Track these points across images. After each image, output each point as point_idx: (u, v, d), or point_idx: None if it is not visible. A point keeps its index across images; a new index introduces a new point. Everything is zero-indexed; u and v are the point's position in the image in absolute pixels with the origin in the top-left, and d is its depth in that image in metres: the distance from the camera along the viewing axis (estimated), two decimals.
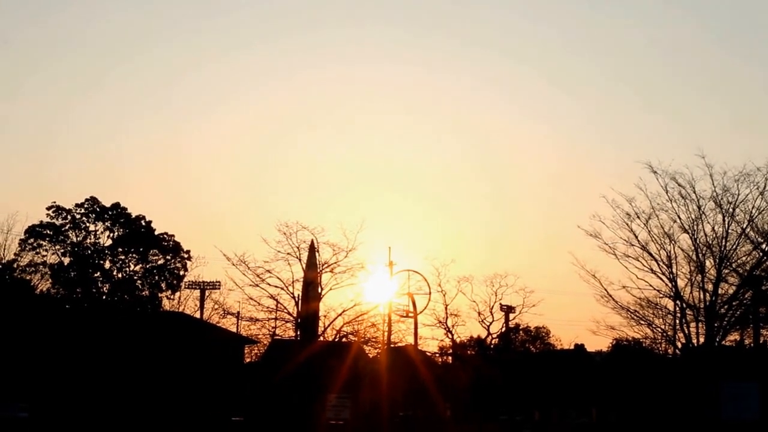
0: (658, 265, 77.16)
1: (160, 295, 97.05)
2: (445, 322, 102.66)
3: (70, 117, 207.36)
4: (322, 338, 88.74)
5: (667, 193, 76.25)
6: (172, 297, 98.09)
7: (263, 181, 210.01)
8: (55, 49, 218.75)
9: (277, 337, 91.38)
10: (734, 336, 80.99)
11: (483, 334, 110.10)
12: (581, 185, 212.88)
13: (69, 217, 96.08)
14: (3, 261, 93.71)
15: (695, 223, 76.40)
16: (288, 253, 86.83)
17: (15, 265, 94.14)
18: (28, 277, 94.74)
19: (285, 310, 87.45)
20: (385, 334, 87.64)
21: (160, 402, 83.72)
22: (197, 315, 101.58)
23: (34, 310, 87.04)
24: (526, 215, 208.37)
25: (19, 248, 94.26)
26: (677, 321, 79.36)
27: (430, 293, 71.72)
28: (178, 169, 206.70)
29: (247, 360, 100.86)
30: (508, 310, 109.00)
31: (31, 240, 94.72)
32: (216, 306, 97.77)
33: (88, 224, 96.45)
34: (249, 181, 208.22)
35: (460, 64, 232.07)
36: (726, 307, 76.71)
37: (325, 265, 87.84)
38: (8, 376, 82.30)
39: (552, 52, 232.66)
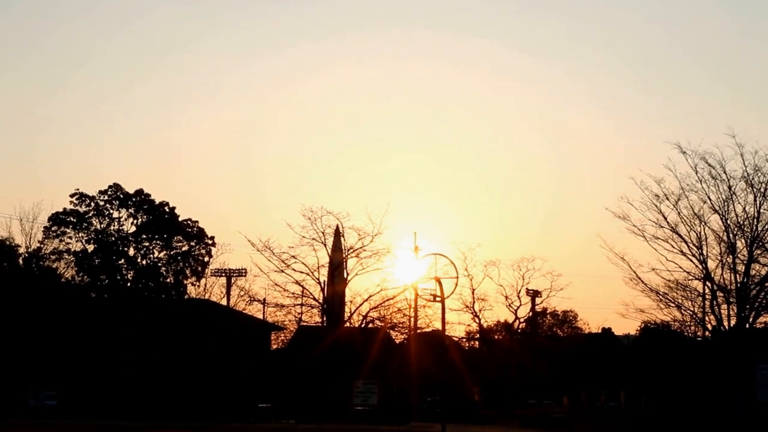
0: (688, 246, 76.32)
1: (185, 281, 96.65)
2: (472, 307, 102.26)
3: (92, 105, 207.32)
4: (348, 324, 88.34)
5: (696, 173, 75.37)
6: (197, 284, 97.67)
7: (287, 166, 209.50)
8: (76, 41, 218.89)
9: (304, 324, 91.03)
10: (766, 318, 79.96)
11: (510, 318, 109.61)
12: (609, 167, 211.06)
13: (92, 204, 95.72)
14: (29, 250, 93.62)
15: (726, 203, 75.46)
16: (313, 239, 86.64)
17: (41, 254, 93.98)
18: (54, 266, 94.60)
19: (311, 296, 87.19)
20: (412, 319, 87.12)
21: (187, 389, 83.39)
22: (223, 302, 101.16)
23: (60, 299, 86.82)
24: (553, 198, 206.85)
25: (43, 236, 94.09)
26: (707, 303, 78.57)
27: (457, 277, 70.80)
28: (201, 155, 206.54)
29: (274, 347, 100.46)
30: (534, 294, 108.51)
31: (55, 228, 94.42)
32: (242, 293, 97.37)
33: (111, 211, 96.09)
34: (272, 167, 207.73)
35: (479, 47, 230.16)
36: (758, 288, 75.74)
37: (351, 250, 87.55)
38: (36, 364, 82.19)
39: (579, 34, 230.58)
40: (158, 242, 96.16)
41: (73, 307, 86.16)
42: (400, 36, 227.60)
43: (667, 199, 75.86)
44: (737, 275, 75.64)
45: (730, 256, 75.87)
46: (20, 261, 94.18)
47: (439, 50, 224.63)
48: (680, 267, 76.76)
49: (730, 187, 75.08)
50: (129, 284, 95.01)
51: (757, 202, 74.73)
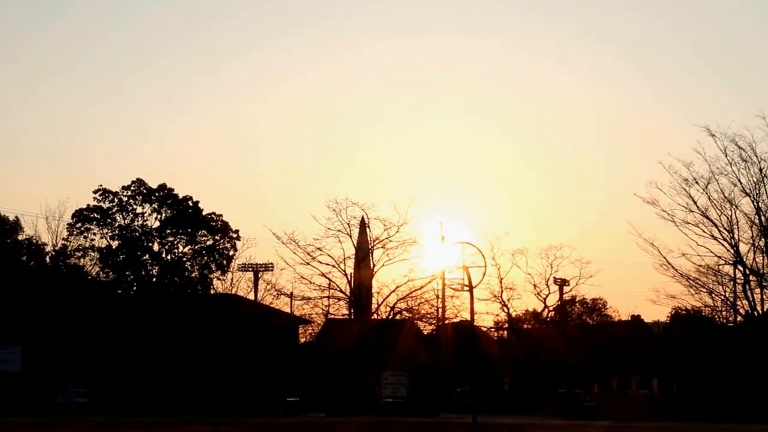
0: (719, 230, 75.99)
1: (210, 276, 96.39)
2: (500, 296, 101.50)
3: (114, 99, 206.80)
4: (375, 315, 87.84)
5: (726, 156, 75.00)
6: (223, 278, 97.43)
7: (311, 157, 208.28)
8: (98, 34, 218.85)
9: (331, 316, 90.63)
10: None
11: (539, 307, 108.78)
12: (636, 151, 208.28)
13: (116, 199, 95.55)
14: (56, 248, 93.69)
15: (757, 186, 75.10)
16: (338, 230, 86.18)
17: (67, 251, 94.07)
18: (80, 263, 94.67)
19: (337, 288, 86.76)
20: (440, 309, 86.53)
21: (216, 385, 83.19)
22: (250, 296, 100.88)
23: (87, 296, 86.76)
24: (580, 184, 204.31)
25: (67, 233, 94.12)
26: (739, 288, 78.02)
27: (485, 265, 70.06)
28: (224, 148, 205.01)
29: (302, 340, 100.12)
30: (562, 283, 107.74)
31: (79, 224, 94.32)
32: (269, 287, 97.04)
33: (135, 206, 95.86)
34: (296, 158, 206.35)
35: (506, 30, 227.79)
36: None
37: (377, 241, 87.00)
38: (64, 362, 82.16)
39: (603, 16, 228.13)
40: (182, 237, 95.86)
41: (100, 304, 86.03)
42: (429, 12, 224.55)
43: (697, 183, 75.50)
44: None
45: (763, 240, 75.30)
46: (47, 259, 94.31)
47: (464, 28, 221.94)
48: (711, 251, 76.39)
49: (761, 170, 74.68)
50: (154, 279, 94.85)
51: None
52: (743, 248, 75.85)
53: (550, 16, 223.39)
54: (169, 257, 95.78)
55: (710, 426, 65.46)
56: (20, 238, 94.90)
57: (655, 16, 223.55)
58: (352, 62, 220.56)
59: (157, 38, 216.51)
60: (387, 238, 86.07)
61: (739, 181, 74.98)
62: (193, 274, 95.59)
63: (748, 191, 74.98)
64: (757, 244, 75.43)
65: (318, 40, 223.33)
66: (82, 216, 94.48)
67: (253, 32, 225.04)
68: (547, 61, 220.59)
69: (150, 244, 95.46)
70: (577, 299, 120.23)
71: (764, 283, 75.42)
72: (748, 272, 75.81)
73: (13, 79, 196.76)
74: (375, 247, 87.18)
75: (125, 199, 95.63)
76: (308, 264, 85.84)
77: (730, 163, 74.82)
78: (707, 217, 75.66)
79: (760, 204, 74.65)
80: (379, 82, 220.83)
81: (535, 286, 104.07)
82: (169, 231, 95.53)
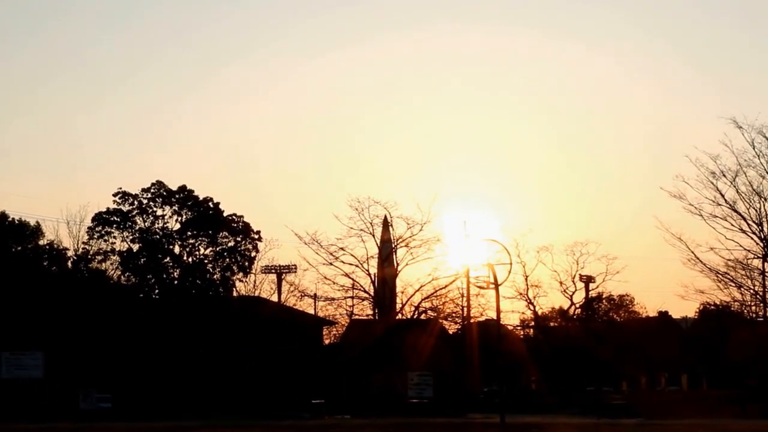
0: (747, 223, 75.07)
1: (232, 278, 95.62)
2: (526, 294, 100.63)
3: (131, 99, 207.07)
4: (400, 315, 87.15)
5: (754, 148, 74.30)
6: (245, 280, 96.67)
7: (332, 156, 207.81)
8: (110, 35, 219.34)
9: (355, 317, 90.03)
10: None
11: (565, 304, 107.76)
12: (662, 145, 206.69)
13: (136, 202, 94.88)
14: (77, 252, 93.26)
15: None
16: (361, 230, 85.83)
17: (89, 256, 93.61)
18: (102, 267, 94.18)
19: (361, 288, 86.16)
20: (465, 308, 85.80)
21: (240, 387, 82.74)
22: (274, 298, 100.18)
23: (109, 300, 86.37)
24: (606, 180, 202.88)
25: (87, 236, 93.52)
26: None
27: (511, 263, 69.07)
28: (244, 148, 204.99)
29: (327, 341, 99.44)
30: (587, 280, 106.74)
31: (99, 228, 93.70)
32: (292, 288, 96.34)
33: (155, 209, 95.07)
34: (317, 157, 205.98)
35: (528, 20, 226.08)
36: None
37: (400, 240, 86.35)
38: (88, 367, 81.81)
39: (627, 6, 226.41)
40: (203, 239, 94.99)
41: (122, 308, 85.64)
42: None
43: (724, 176, 74.64)
44: None
45: None
46: (68, 264, 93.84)
47: (489, 18, 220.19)
48: (740, 245, 75.62)
49: None
50: (175, 282, 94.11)
51: None
52: None
53: (578, 5, 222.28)
54: (190, 260, 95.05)
55: (744, 422, 64.51)
56: (41, 243, 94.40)
57: (680, 7, 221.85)
58: (369, 58, 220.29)
59: (168, 38, 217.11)
60: (410, 237, 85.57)
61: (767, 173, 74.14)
62: (215, 277, 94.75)
63: None
64: None
65: (328, 37, 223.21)
66: (102, 219, 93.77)
67: (263, 30, 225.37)
68: (572, 54, 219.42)
69: (171, 247, 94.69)
70: (603, 296, 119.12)
71: None
72: None
73: (27, 85, 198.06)
74: (398, 246, 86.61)
75: (145, 201, 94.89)
76: (331, 264, 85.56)
77: (758, 155, 74.18)
78: (735, 211, 74.85)
79: None
80: (399, 78, 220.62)
81: (561, 283, 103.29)
82: (189, 233, 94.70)
